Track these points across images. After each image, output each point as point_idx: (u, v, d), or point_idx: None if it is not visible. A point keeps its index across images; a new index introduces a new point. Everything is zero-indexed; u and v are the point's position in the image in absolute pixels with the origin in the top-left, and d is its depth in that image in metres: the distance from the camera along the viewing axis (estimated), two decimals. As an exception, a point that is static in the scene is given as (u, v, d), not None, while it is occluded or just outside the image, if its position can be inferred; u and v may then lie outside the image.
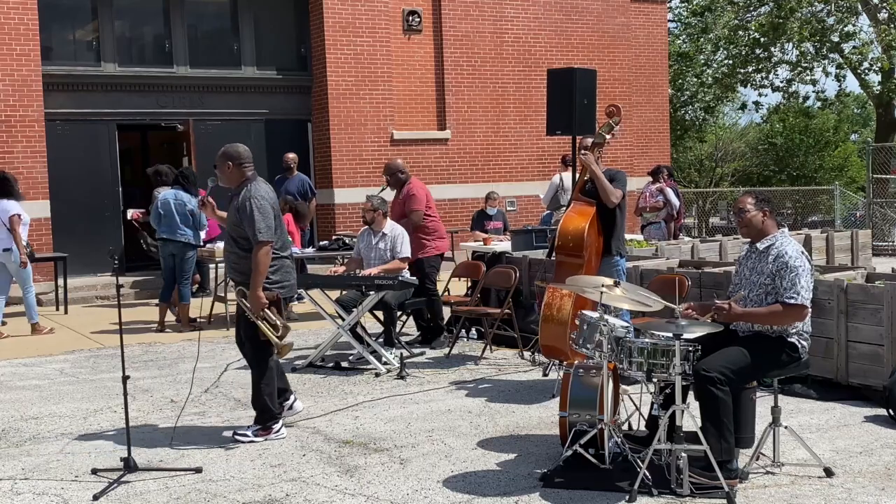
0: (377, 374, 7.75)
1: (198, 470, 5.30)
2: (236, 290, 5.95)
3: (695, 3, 28.03)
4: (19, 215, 10.12)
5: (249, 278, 5.78)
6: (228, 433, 6.05)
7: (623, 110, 7.37)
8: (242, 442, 5.88)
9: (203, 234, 10.66)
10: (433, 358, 8.48)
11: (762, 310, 4.96)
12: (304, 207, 11.76)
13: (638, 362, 4.88)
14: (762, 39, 26.57)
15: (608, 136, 7.00)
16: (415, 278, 8.47)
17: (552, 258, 7.27)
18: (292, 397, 6.34)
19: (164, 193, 10.41)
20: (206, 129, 14.68)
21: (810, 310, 4.98)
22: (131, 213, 12.41)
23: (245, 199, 5.79)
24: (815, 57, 26.88)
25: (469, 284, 10.09)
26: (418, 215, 8.86)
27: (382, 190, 9.06)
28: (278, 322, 5.79)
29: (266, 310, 5.76)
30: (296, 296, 6.77)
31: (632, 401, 5.76)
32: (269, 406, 5.96)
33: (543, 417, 6.29)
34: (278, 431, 5.98)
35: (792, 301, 4.87)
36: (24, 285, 10.31)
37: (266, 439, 5.91)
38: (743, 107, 30.78)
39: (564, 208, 7.90)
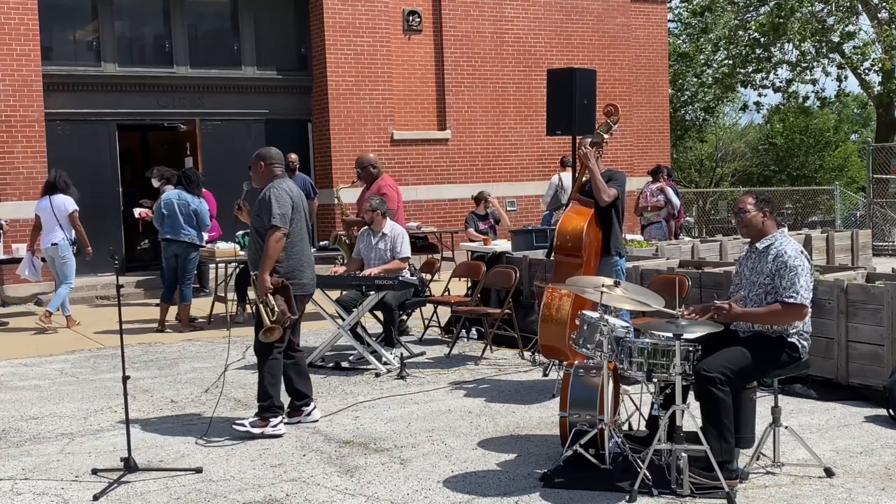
0: (377, 375, 7.75)
1: (198, 470, 5.30)
2: (253, 275, 6.09)
3: (695, 3, 28.03)
4: (77, 211, 10.60)
5: None
6: (228, 428, 6.06)
7: (623, 110, 7.40)
8: (239, 431, 5.90)
9: (206, 235, 10.67)
10: (433, 358, 8.48)
11: (761, 310, 4.96)
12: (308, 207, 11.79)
13: (638, 362, 4.88)
14: (762, 39, 26.57)
15: (606, 136, 7.00)
16: (415, 278, 8.46)
17: (551, 258, 7.27)
18: (312, 404, 6.36)
19: (168, 194, 10.43)
20: (206, 129, 14.69)
21: (810, 309, 4.98)
22: (138, 212, 12.41)
23: (266, 189, 6.08)
24: (815, 57, 26.87)
25: (469, 284, 10.09)
26: (391, 214, 8.72)
27: (340, 190, 8.87)
28: (277, 308, 5.87)
29: (270, 295, 5.87)
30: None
31: (632, 401, 5.76)
32: (270, 394, 6.00)
33: (543, 417, 6.29)
34: (276, 426, 5.99)
35: (791, 300, 4.87)
36: (65, 280, 10.61)
37: (263, 432, 5.93)
38: (744, 107, 30.79)
39: (564, 207, 7.89)
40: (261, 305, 5.90)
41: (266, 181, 6.17)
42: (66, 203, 10.49)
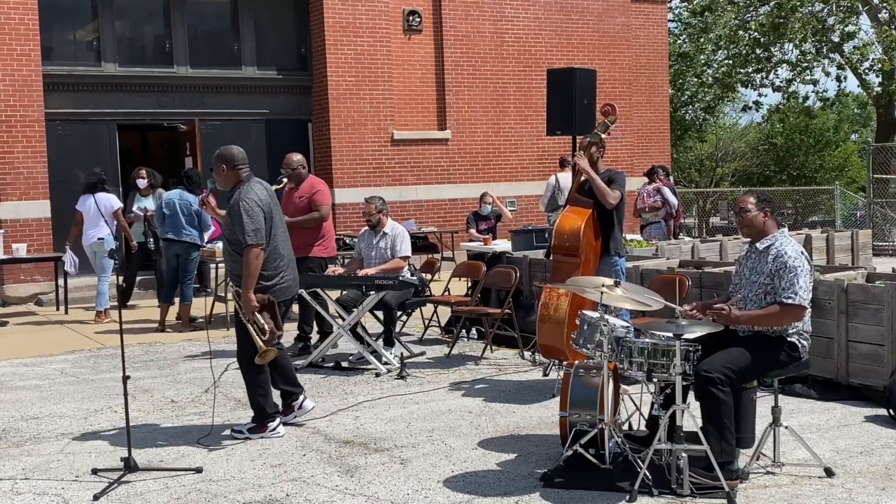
0: (377, 374, 7.76)
1: (198, 470, 5.30)
2: (233, 291, 5.98)
3: (695, 3, 28.03)
4: (122, 208, 11.25)
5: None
6: (227, 431, 6.08)
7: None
8: (238, 438, 5.90)
9: (207, 235, 10.69)
10: (433, 358, 8.48)
11: (759, 312, 4.95)
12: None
13: (638, 362, 4.88)
14: (762, 39, 26.57)
15: (604, 135, 7.00)
16: (415, 278, 8.46)
17: (550, 258, 7.26)
18: (302, 396, 6.31)
19: (169, 194, 10.43)
20: (206, 129, 14.69)
21: (810, 310, 4.98)
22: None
23: (235, 201, 5.82)
24: (815, 57, 26.88)
25: (469, 284, 10.10)
26: (327, 209, 8.51)
27: (282, 184, 8.49)
28: (266, 327, 5.78)
29: (257, 313, 5.77)
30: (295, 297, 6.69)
31: (632, 401, 5.76)
32: (262, 405, 5.98)
33: (544, 417, 6.29)
34: (275, 430, 5.98)
35: (789, 301, 4.87)
36: (102, 274, 11.09)
37: (262, 437, 5.93)
38: (745, 108, 30.81)
39: (562, 208, 7.90)
40: (250, 326, 5.78)
41: (232, 184, 5.90)
42: (111, 200, 11.06)
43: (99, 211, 10.95)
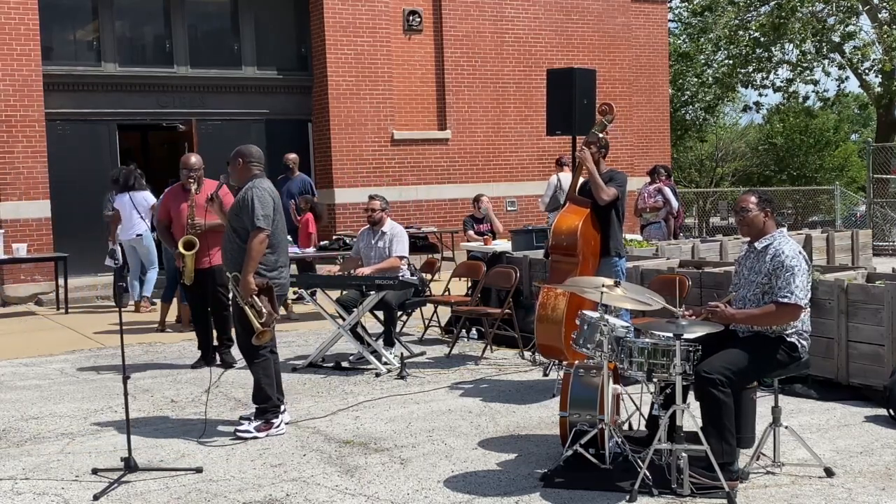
0: (377, 374, 7.76)
1: (198, 470, 5.30)
2: (231, 276, 6.05)
3: (695, 2, 28.02)
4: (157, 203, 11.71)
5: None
6: (228, 428, 6.08)
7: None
8: (245, 438, 5.90)
9: None
10: (433, 358, 8.48)
11: (756, 311, 4.95)
12: (321, 207, 11.99)
13: (638, 362, 4.88)
14: (763, 39, 26.57)
15: (601, 135, 7.00)
16: (415, 278, 8.46)
17: (549, 258, 7.25)
18: (283, 407, 6.32)
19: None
20: (206, 129, 14.69)
21: (808, 310, 4.98)
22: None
23: (247, 189, 6.04)
24: (815, 57, 26.87)
25: (469, 284, 10.10)
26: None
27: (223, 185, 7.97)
28: (264, 309, 5.88)
29: (255, 296, 5.88)
30: (298, 296, 6.72)
31: (632, 401, 5.76)
32: (269, 396, 6.02)
33: (544, 417, 6.29)
34: (279, 426, 6.03)
35: (785, 300, 4.86)
36: (150, 266, 11.66)
37: (268, 434, 5.94)
38: (745, 108, 30.81)
39: (562, 207, 7.90)
40: (247, 308, 5.89)
41: (244, 179, 6.15)
42: (146, 197, 11.43)
43: (135, 208, 11.29)
